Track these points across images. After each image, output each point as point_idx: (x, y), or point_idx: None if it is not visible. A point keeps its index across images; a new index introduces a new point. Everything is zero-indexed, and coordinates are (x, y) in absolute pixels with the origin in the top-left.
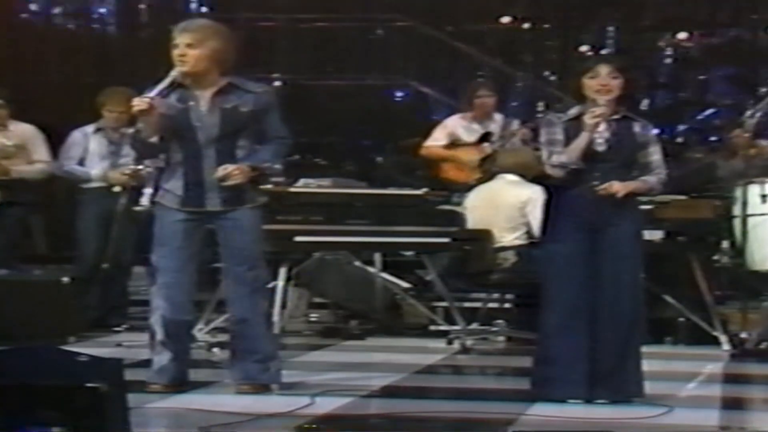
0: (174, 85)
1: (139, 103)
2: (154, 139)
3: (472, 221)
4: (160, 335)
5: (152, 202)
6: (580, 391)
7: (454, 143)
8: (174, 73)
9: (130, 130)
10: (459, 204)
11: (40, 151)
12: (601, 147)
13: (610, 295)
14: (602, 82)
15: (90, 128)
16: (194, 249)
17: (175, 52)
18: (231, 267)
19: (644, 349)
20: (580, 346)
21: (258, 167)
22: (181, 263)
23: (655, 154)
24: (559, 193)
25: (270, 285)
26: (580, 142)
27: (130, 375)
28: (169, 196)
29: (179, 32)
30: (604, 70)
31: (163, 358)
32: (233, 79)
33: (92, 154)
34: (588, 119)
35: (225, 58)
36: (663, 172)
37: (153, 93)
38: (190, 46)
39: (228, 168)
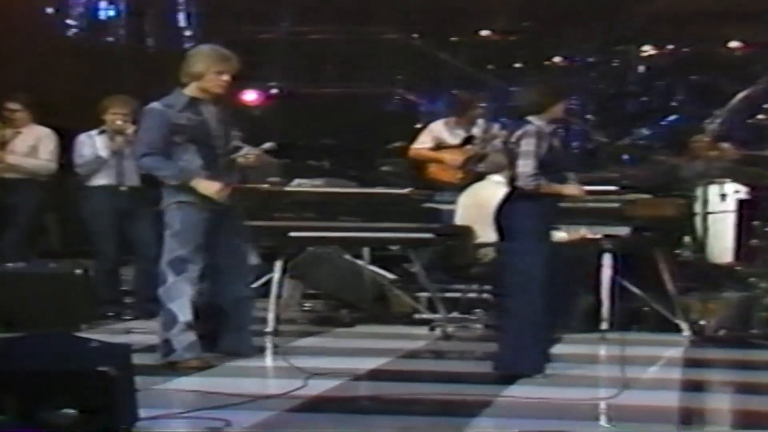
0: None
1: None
2: None
3: (460, 218)
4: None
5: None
6: (543, 367)
7: (439, 146)
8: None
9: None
10: (450, 202)
11: (45, 151)
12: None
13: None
14: (568, 105)
15: (94, 132)
16: None
17: (222, 78)
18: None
19: (612, 335)
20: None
21: None
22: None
23: None
24: (536, 197)
25: (266, 277)
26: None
27: (137, 359)
28: None
29: (231, 62)
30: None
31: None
32: None
33: (98, 153)
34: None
35: None
36: None
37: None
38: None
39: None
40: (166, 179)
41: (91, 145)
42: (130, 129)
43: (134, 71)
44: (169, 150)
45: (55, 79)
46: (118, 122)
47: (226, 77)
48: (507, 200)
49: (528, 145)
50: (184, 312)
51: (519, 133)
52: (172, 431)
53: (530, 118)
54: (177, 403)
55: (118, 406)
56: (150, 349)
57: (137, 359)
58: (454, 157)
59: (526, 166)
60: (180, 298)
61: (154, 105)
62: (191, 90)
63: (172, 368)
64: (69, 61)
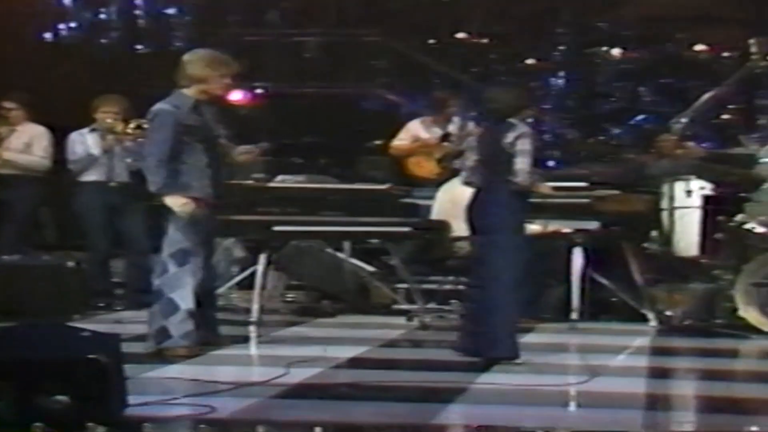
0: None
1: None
2: None
3: (437, 213)
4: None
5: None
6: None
7: (417, 143)
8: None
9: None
10: (428, 198)
11: (39, 148)
12: None
13: None
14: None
15: (85, 130)
16: None
17: (225, 82)
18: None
19: (582, 324)
20: None
21: None
22: None
23: None
24: (524, 194)
25: (251, 269)
26: None
27: (126, 348)
28: None
29: (231, 66)
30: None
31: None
32: None
33: (89, 150)
34: None
35: None
36: None
37: None
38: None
39: None
40: (150, 184)
41: (83, 142)
42: (120, 127)
43: (125, 71)
44: (181, 150)
45: (50, 78)
46: (108, 120)
47: (227, 80)
48: (490, 197)
49: (524, 145)
50: (186, 301)
51: (515, 133)
52: (159, 417)
53: (512, 120)
54: (164, 390)
55: (108, 393)
56: (140, 338)
57: (126, 348)
58: (431, 154)
59: (524, 164)
60: (182, 288)
61: (164, 107)
62: (193, 92)
63: (162, 356)
64: (63, 62)
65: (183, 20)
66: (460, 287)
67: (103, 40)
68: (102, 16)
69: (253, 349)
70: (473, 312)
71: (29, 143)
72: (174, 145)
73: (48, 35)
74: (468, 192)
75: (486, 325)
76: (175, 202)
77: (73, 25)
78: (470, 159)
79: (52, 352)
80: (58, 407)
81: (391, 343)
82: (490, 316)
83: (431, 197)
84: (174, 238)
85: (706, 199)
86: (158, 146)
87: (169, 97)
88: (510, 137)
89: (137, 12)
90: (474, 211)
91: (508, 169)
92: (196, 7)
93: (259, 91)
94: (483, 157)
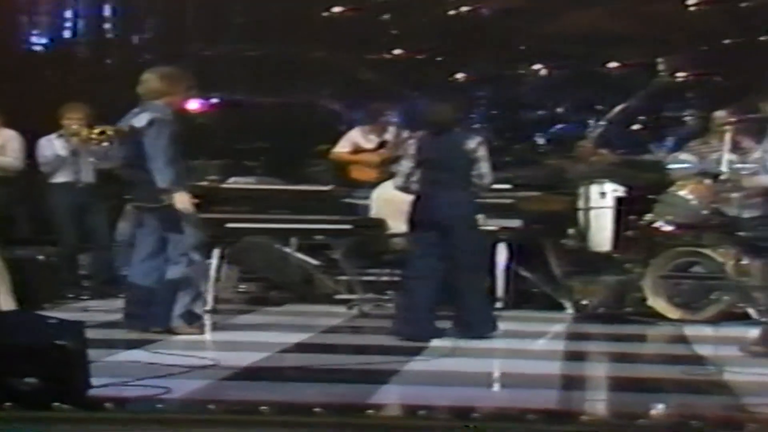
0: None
1: None
2: None
3: (374, 212)
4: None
5: None
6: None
7: (356, 150)
8: None
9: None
10: (365, 198)
11: (11, 150)
12: None
13: None
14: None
15: (53, 135)
16: None
17: (187, 94)
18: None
19: (506, 313)
20: None
21: None
22: None
23: None
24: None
25: (206, 263)
26: None
27: (90, 334)
28: None
29: (192, 79)
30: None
31: None
32: None
33: (57, 154)
34: None
35: None
36: None
37: None
38: None
39: None
40: (159, 182)
41: (51, 146)
42: (85, 132)
43: (92, 82)
44: (175, 156)
45: (23, 87)
46: (74, 127)
47: (188, 92)
48: (449, 198)
49: (484, 151)
50: (205, 287)
51: (476, 140)
52: (119, 398)
53: (456, 129)
54: (124, 372)
55: (73, 376)
56: (104, 325)
57: (90, 334)
58: (370, 160)
59: (486, 168)
60: (205, 276)
61: (157, 115)
62: (167, 103)
63: (172, 333)
64: (35, 71)
65: (141, 36)
66: (396, 279)
67: (71, 52)
68: (67, 30)
69: (207, 334)
70: (415, 300)
71: (2, 146)
72: (170, 149)
73: (20, 45)
74: (401, 194)
75: (463, 309)
76: (181, 198)
77: (44, 37)
78: (406, 166)
79: (22, 338)
80: (28, 388)
81: (333, 330)
82: (465, 301)
83: (367, 197)
84: (193, 232)
85: (619, 200)
86: (163, 150)
87: (152, 107)
88: (472, 144)
89: (101, 25)
90: (428, 210)
91: (469, 173)
92: (152, 22)
93: (214, 101)
94: (438, 164)
